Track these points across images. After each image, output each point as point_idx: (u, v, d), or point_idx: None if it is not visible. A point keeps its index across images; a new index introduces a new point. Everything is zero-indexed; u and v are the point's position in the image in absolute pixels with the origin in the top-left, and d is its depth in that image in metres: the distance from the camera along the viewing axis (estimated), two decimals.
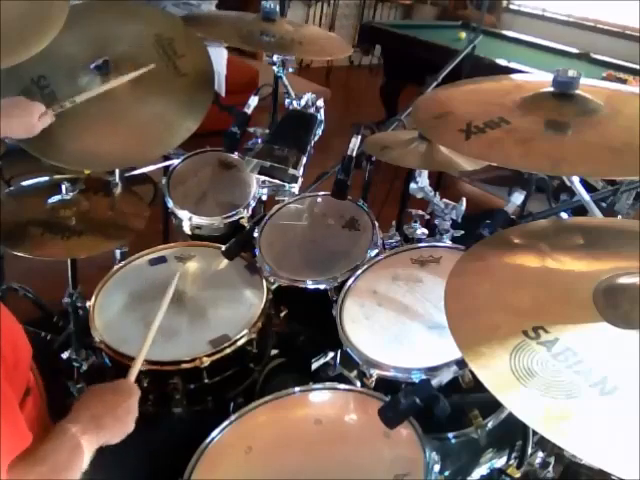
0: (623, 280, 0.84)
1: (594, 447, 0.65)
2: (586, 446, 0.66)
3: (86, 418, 0.92)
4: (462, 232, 1.61)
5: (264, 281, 1.51)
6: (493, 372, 0.74)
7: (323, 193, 1.71)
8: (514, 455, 1.25)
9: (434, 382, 1.01)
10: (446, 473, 1.17)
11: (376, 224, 1.59)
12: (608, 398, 0.69)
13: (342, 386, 1.23)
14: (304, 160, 1.54)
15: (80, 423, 0.90)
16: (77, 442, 0.87)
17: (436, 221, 1.64)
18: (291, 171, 1.52)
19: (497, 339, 0.78)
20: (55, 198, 1.60)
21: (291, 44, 1.64)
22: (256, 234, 1.61)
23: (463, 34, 4.37)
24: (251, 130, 1.90)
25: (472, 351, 0.78)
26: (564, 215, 1.35)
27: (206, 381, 1.34)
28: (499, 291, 0.89)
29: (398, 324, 1.32)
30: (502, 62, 3.64)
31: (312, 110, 1.71)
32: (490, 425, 1.21)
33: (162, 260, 1.61)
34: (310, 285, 1.49)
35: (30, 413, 0.88)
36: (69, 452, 0.87)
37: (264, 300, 1.45)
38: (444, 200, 1.63)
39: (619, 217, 1.61)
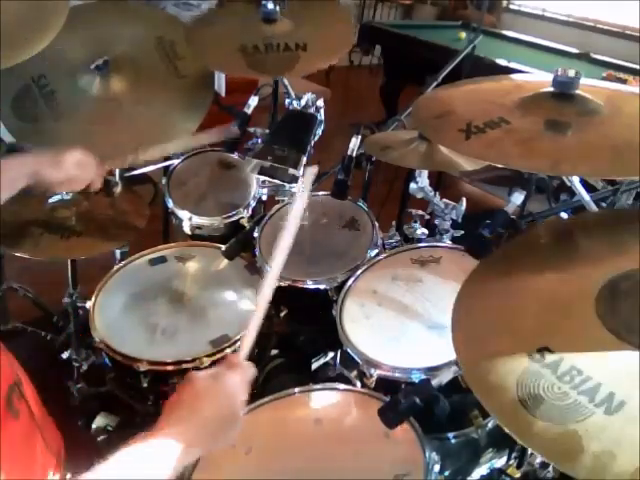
0: (623, 282, 0.83)
1: (608, 468, 0.65)
2: (600, 469, 0.65)
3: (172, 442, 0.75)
4: (462, 232, 1.61)
5: None
6: (503, 405, 0.74)
7: (323, 193, 1.71)
8: (514, 455, 1.25)
9: (434, 382, 1.01)
10: (446, 473, 1.17)
11: (376, 224, 1.59)
12: (615, 416, 0.68)
13: (342, 386, 1.23)
14: (304, 160, 1.54)
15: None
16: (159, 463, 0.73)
17: (436, 221, 1.64)
18: (291, 171, 1.52)
19: (503, 367, 0.78)
20: (55, 198, 1.60)
21: (295, 55, 1.62)
22: (256, 234, 1.61)
23: (463, 34, 4.37)
24: (251, 130, 1.90)
25: (481, 384, 0.77)
26: (564, 215, 1.35)
27: None
28: (501, 315, 0.89)
29: (398, 324, 1.32)
30: (502, 62, 3.64)
31: (312, 110, 1.71)
32: (490, 425, 1.21)
33: (162, 260, 1.61)
34: (310, 285, 1.49)
35: (14, 435, 0.81)
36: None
37: None
38: (444, 200, 1.63)
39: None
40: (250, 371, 0.89)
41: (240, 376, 0.87)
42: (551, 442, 0.69)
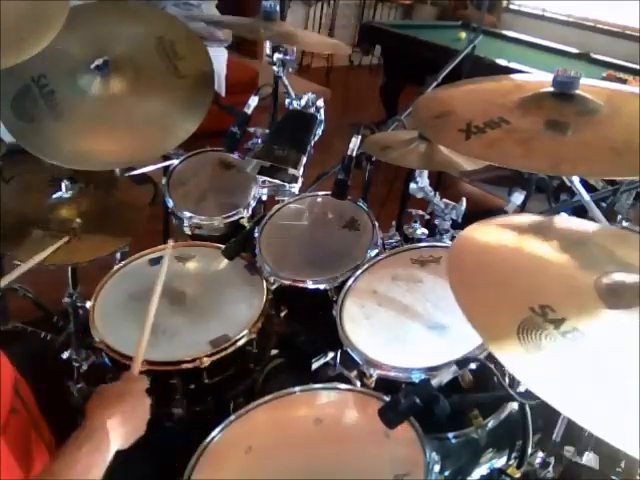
0: (622, 281, 0.84)
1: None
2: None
3: (105, 419, 0.93)
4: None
5: (264, 281, 1.51)
6: (500, 342, 0.74)
7: (323, 193, 1.71)
8: (514, 455, 1.25)
9: (434, 382, 1.01)
10: (446, 473, 1.17)
11: (376, 224, 1.59)
12: (618, 381, 0.70)
13: (342, 386, 1.23)
14: (304, 160, 1.54)
15: (101, 426, 0.91)
16: (97, 456, 0.89)
17: (436, 221, 1.64)
18: (291, 171, 1.52)
19: (505, 311, 0.79)
20: (55, 196, 1.60)
21: (295, 37, 1.64)
22: (256, 234, 1.61)
23: (463, 34, 4.38)
24: (251, 130, 1.90)
25: (481, 321, 0.78)
26: (564, 215, 1.35)
27: (206, 381, 1.34)
28: (505, 268, 0.89)
29: (398, 324, 1.32)
30: (502, 62, 3.65)
31: (312, 110, 1.71)
32: (490, 425, 1.21)
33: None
34: (310, 285, 1.49)
35: (14, 430, 0.89)
36: (85, 468, 0.86)
37: (264, 300, 1.45)
38: (444, 200, 1.63)
39: (619, 217, 1.61)
40: (145, 381, 1.06)
41: (139, 386, 1.04)
42: (547, 380, 0.70)
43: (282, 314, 1.59)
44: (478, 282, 0.87)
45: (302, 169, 1.55)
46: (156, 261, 1.60)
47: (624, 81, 3.50)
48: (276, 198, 1.85)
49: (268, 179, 1.63)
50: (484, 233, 0.98)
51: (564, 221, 1.16)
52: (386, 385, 1.21)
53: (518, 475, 1.19)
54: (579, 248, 0.94)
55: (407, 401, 0.97)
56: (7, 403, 0.88)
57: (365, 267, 1.47)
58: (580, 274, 0.85)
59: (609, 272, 0.84)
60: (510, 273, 0.89)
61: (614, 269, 0.85)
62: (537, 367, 0.71)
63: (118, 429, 0.94)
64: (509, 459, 1.26)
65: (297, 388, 1.23)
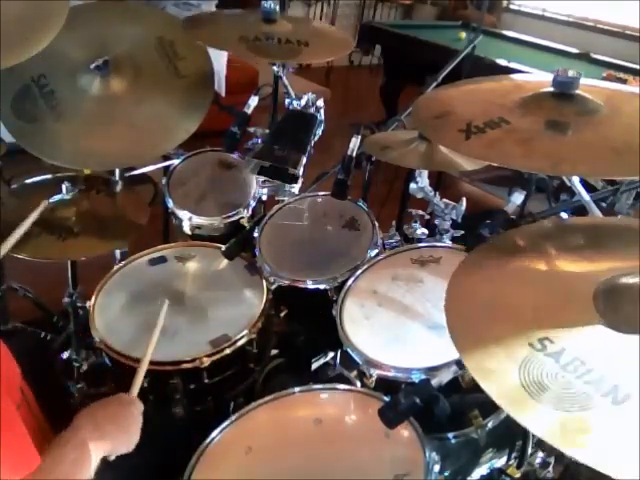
0: (622, 282, 0.83)
1: (613, 458, 0.65)
2: (605, 458, 0.65)
3: (90, 426, 0.93)
4: (462, 232, 1.61)
5: (264, 281, 1.51)
6: (504, 389, 0.73)
7: (323, 193, 1.71)
8: (514, 455, 1.25)
9: (434, 382, 1.01)
10: (446, 473, 1.17)
11: (376, 224, 1.59)
12: (621, 407, 0.68)
13: (342, 386, 1.23)
14: (304, 160, 1.53)
15: (86, 431, 0.91)
16: (85, 450, 0.88)
17: (436, 221, 1.64)
18: (291, 171, 1.52)
19: (504, 354, 0.77)
20: (56, 198, 1.60)
21: (297, 48, 1.63)
22: (256, 234, 1.61)
23: (463, 34, 4.38)
24: (251, 130, 1.90)
25: (481, 369, 0.77)
26: (564, 215, 1.35)
27: (206, 381, 1.34)
28: (499, 302, 0.89)
29: (398, 324, 1.32)
30: (502, 62, 3.65)
31: (312, 110, 1.71)
32: (490, 425, 1.21)
33: (162, 260, 1.61)
34: (310, 285, 1.49)
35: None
36: (75, 461, 0.87)
37: (264, 300, 1.45)
38: (444, 200, 1.63)
39: (619, 217, 1.61)
40: (140, 406, 1.05)
41: (135, 411, 1.03)
42: (557, 427, 0.68)
43: (282, 314, 1.59)
44: (477, 323, 0.86)
45: (302, 169, 1.55)
46: (156, 261, 1.60)
47: (624, 81, 3.50)
48: (276, 198, 1.85)
49: (268, 179, 1.63)
50: (481, 264, 0.98)
51: (565, 225, 1.16)
52: (386, 385, 1.21)
53: (518, 475, 1.19)
54: (576, 256, 0.94)
55: (407, 401, 0.97)
56: (16, 390, 0.88)
57: (365, 267, 1.47)
58: (580, 286, 0.84)
59: (605, 281, 0.83)
60: (509, 304, 0.88)
61: (612, 275, 0.84)
62: (544, 416, 0.70)
63: (103, 449, 0.93)
64: (509, 459, 1.26)
65: (297, 388, 1.23)
